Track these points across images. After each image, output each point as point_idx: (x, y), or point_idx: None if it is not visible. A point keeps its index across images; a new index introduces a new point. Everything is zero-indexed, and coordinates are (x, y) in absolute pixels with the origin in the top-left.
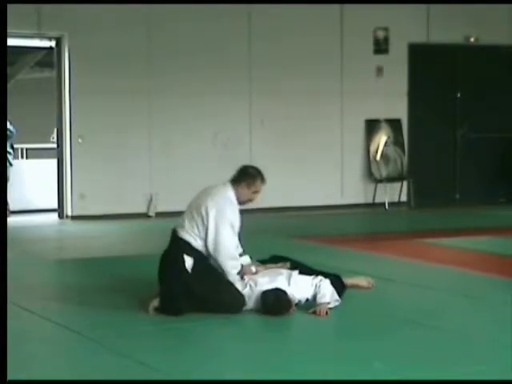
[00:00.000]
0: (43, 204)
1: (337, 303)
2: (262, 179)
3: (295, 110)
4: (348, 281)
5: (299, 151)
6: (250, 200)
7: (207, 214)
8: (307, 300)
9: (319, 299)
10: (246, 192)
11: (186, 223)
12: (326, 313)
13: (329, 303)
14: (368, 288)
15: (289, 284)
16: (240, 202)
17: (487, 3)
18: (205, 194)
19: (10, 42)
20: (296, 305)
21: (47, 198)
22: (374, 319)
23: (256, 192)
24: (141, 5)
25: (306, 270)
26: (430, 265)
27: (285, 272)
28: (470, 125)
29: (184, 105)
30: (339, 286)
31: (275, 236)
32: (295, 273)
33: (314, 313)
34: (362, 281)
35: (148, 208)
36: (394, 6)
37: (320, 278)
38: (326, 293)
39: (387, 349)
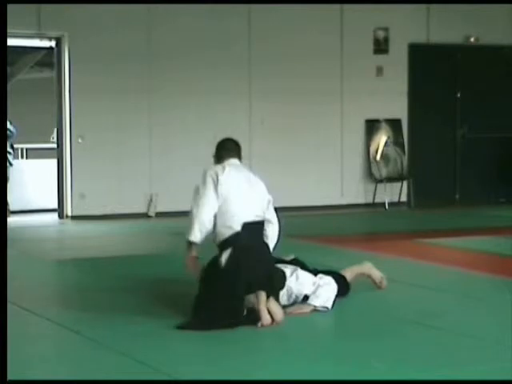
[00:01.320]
0: (43, 204)
1: (324, 309)
2: None
3: (295, 110)
4: (363, 269)
5: (299, 151)
6: None
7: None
8: (305, 298)
9: (311, 299)
10: None
11: (258, 207)
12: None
13: (315, 307)
14: (378, 284)
15: (290, 275)
16: None
17: (487, 3)
18: (247, 175)
19: (10, 42)
20: (293, 304)
21: (47, 198)
22: (374, 319)
23: None
24: (141, 5)
25: (314, 272)
26: (430, 265)
27: (289, 266)
28: (469, 125)
29: (184, 105)
30: (344, 286)
31: None
32: (301, 270)
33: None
34: (375, 273)
35: (148, 208)
36: (394, 6)
37: (327, 280)
38: (322, 294)
39: (387, 349)
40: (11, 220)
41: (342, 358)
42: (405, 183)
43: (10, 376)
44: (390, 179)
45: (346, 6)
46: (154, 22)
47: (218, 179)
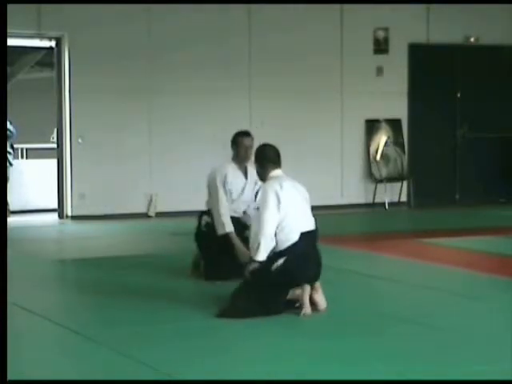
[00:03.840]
0: (43, 204)
1: None
2: None
3: (295, 110)
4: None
5: (299, 151)
6: None
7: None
8: None
9: None
10: None
11: (310, 215)
12: None
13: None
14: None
15: None
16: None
17: (487, 3)
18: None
19: (10, 42)
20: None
21: (47, 198)
22: (374, 319)
23: None
24: (140, 5)
25: None
26: (430, 265)
27: None
28: (469, 125)
29: (184, 104)
30: None
31: None
32: None
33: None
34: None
35: (148, 208)
36: (394, 6)
37: None
38: None
39: (387, 348)
40: (11, 220)
41: (341, 357)
42: (405, 183)
43: (10, 376)
44: (390, 179)
45: (346, 6)
46: (154, 23)
47: (279, 196)
